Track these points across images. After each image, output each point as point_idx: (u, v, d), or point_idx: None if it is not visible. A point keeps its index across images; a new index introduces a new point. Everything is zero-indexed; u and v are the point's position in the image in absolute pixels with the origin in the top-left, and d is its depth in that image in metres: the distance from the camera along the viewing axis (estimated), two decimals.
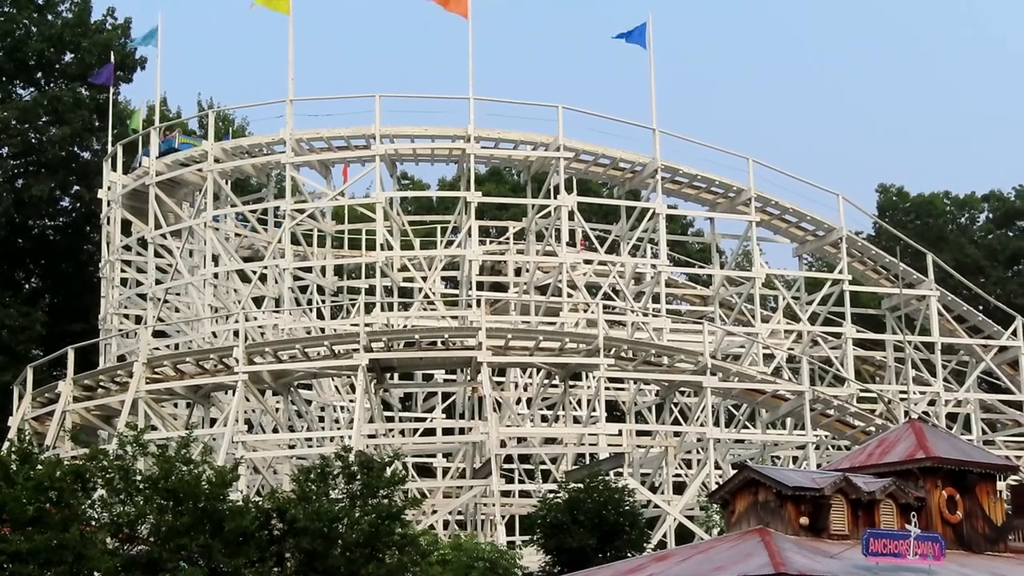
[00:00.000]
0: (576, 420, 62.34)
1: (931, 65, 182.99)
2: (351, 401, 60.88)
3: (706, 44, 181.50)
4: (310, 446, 56.60)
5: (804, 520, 33.69)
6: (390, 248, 61.76)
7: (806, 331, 65.60)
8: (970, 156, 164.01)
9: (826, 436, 61.45)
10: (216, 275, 62.27)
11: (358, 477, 36.16)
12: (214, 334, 60.86)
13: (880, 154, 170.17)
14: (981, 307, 71.63)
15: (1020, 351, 66.36)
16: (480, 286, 64.09)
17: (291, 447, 57.40)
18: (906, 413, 56.77)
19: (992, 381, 68.73)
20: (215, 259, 62.07)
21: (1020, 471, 55.73)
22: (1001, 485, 43.53)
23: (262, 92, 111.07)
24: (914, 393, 63.51)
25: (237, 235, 67.30)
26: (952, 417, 66.71)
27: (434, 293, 63.53)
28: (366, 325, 55.94)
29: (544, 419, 64.70)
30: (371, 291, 64.04)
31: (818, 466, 53.52)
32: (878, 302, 71.68)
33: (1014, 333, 66.82)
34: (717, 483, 46.62)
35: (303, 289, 67.35)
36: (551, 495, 44.93)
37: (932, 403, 64.96)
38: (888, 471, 36.21)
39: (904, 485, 35.40)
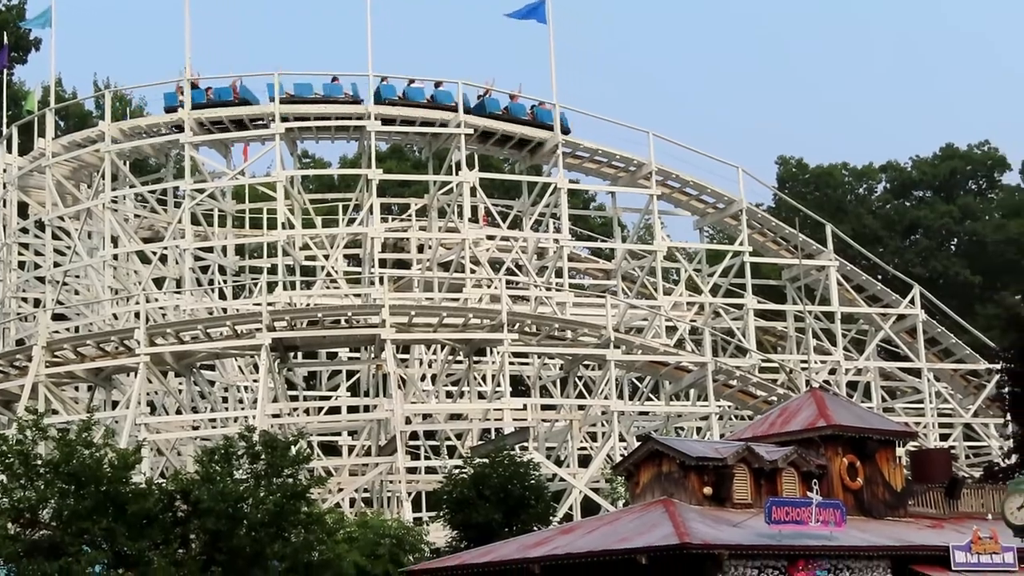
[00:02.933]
0: (481, 396, 62.36)
1: (831, 37, 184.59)
2: (255, 381, 60.54)
3: (608, 18, 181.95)
4: (214, 427, 56.24)
5: (708, 490, 33.99)
6: (291, 227, 61.35)
7: (708, 303, 66.06)
8: (868, 127, 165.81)
9: (729, 406, 61.93)
10: (116, 256, 61.47)
11: (262, 457, 36.02)
12: (115, 316, 60.15)
13: (780, 126, 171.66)
14: (879, 276, 72.41)
15: (918, 319, 67.21)
16: (383, 263, 63.90)
17: (194, 428, 56.96)
18: (807, 382, 57.33)
19: (891, 349, 69.54)
20: (114, 240, 61.31)
21: (919, 437, 56.59)
22: (901, 451, 44.24)
23: (160, 72, 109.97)
24: (815, 362, 64.11)
25: (136, 216, 66.58)
26: (852, 385, 67.45)
27: (336, 271, 63.21)
28: (268, 304, 55.58)
29: (449, 395, 64.69)
30: (273, 270, 63.59)
31: (721, 436, 53.92)
32: (778, 273, 72.28)
33: (912, 302, 67.63)
34: (622, 455, 46.84)
35: (204, 269, 66.75)
36: (457, 471, 44.96)
37: (833, 372, 65.63)
38: (790, 440, 36.62)
39: (806, 453, 35.81)
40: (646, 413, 64.70)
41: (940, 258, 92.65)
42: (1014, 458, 48.05)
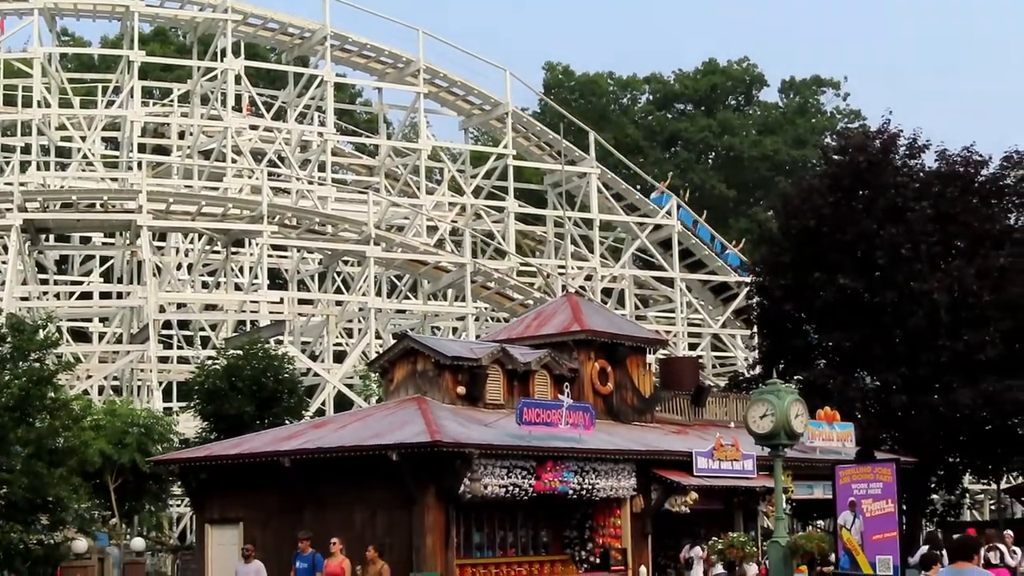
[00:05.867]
0: (237, 287, 61.73)
1: None
2: (3, 262, 58.84)
3: None
4: None
5: (461, 389, 34.26)
6: (47, 106, 59.61)
7: (470, 204, 66.35)
8: (633, 38, 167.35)
9: (486, 308, 62.47)
10: None
11: (8, 340, 35.08)
12: None
13: (547, 32, 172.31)
14: (639, 186, 73.57)
15: (674, 230, 68.54)
16: (142, 148, 62.50)
17: None
18: (563, 287, 58.14)
19: (646, 258, 70.85)
20: None
21: (669, 345, 57.87)
22: (651, 359, 45.21)
23: None
24: (572, 268, 65.02)
25: None
26: (607, 292, 68.63)
27: (93, 154, 61.72)
28: (20, 185, 53.96)
29: (205, 285, 63.89)
30: (27, 150, 61.71)
31: (477, 337, 54.39)
32: (541, 178, 72.91)
33: (668, 212, 68.93)
34: (377, 352, 46.90)
35: None
36: (210, 362, 44.51)
37: (589, 278, 66.64)
38: (544, 343, 37.07)
39: (559, 357, 36.32)
40: (403, 311, 64.86)
41: (698, 170, 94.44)
42: (759, 369, 49.42)
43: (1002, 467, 49.76)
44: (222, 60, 60.83)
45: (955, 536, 16.19)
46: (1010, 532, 34.94)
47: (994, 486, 54.38)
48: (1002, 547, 31.67)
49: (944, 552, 26.11)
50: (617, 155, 72.42)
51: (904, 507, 37.06)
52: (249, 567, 28.72)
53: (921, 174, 48.75)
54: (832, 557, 27.16)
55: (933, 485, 50.50)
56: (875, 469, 24.21)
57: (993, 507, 65.83)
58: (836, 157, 49.88)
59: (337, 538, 28.55)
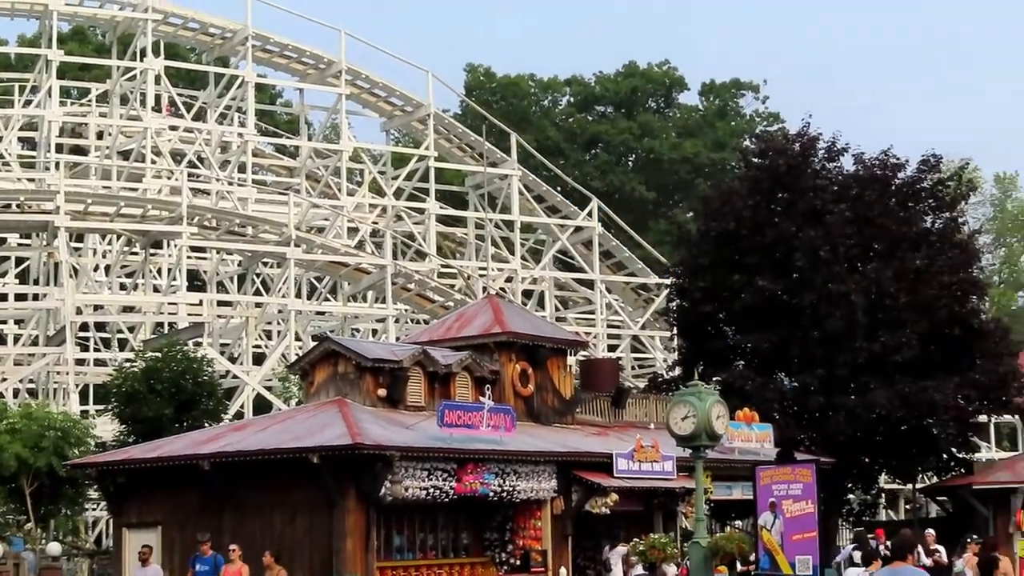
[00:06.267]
0: (156, 289, 61.23)
1: None
2: None
3: None
4: None
5: (382, 391, 34.20)
6: None
7: (391, 206, 66.23)
8: (554, 40, 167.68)
9: (406, 310, 62.37)
10: None
11: None
12: None
13: (469, 33, 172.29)
14: (559, 188, 73.71)
15: (594, 232, 68.69)
16: (60, 149, 61.86)
17: None
18: (484, 289, 58.15)
19: (567, 260, 71.01)
20: None
21: (589, 347, 58.03)
22: (572, 360, 45.30)
23: None
24: (492, 270, 65.05)
25: None
26: (528, 294, 68.69)
27: (10, 154, 61.01)
28: None
29: (123, 287, 63.30)
30: None
31: (397, 339, 54.28)
32: (462, 179, 72.88)
33: (590, 214, 69.07)
34: (297, 354, 46.72)
35: None
36: (128, 364, 44.15)
37: (510, 280, 66.66)
38: (466, 345, 37.08)
39: (480, 359, 36.34)
40: (323, 313, 64.62)
41: (618, 173, 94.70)
42: (678, 370, 49.67)
43: (917, 467, 50.27)
44: (142, 60, 60.36)
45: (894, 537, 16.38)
46: (931, 531, 35.39)
47: (909, 486, 54.96)
48: (919, 547, 32.03)
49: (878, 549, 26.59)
50: (539, 157, 72.52)
51: (822, 507, 37.41)
52: (147, 570, 28.58)
53: (840, 177, 49.17)
54: (752, 557, 27.37)
55: (850, 485, 50.98)
56: (795, 470, 24.42)
57: (908, 507, 66.57)
58: (755, 160, 50.23)
59: (236, 545, 28.59)
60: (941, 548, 35.53)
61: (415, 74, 66.45)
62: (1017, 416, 59.48)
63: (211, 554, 28.25)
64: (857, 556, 33.78)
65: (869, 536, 36.71)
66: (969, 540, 31.62)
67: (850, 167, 49.49)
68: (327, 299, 65.83)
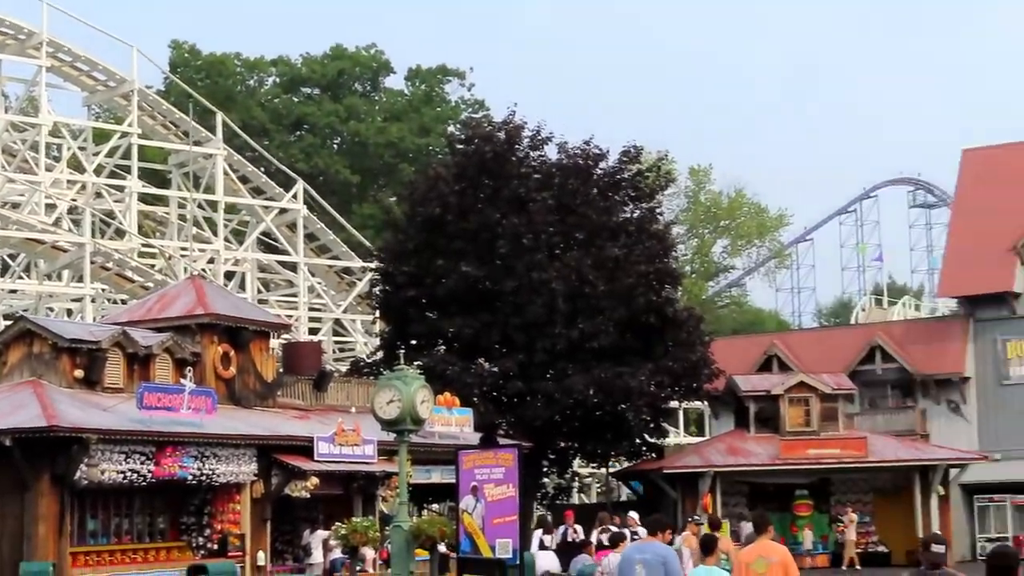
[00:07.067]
0: None
1: None
2: None
3: None
4: None
5: (80, 373, 33.53)
6: None
7: (91, 182, 64.66)
8: (261, 19, 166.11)
9: (105, 289, 61.05)
10: None
11: None
12: None
13: (175, 9, 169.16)
14: (264, 169, 73.07)
15: (299, 214, 68.35)
16: None
17: None
18: (186, 270, 57.34)
19: (270, 242, 70.50)
20: None
21: (292, 330, 57.79)
22: (274, 343, 45.10)
23: None
24: (195, 250, 64.15)
25: None
26: (230, 275, 67.97)
27: None
28: None
29: None
30: None
31: (95, 320, 53.11)
32: (165, 158, 71.66)
33: (295, 196, 68.70)
34: None
35: None
36: None
37: (212, 261, 65.86)
38: (167, 326, 36.64)
39: (181, 340, 35.94)
40: (16, 291, 62.79)
41: (323, 155, 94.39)
42: (380, 354, 49.85)
43: (610, 452, 51.53)
44: None
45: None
46: (634, 514, 36.25)
47: (602, 470, 56.37)
48: (612, 528, 32.87)
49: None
50: (244, 137, 71.77)
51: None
52: None
53: (544, 165, 50.01)
54: (452, 542, 27.66)
55: (546, 469, 52.03)
56: (497, 454, 24.78)
57: (600, 490, 68.29)
58: (461, 147, 50.69)
59: None
60: (641, 530, 36.42)
61: (120, 48, 64.99)
62: (705, 402, 61.58)
63: None
64: (548, 540, 34.49)
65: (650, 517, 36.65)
66: (689, 520, 32.57)
67: (554, 156, 50.42)
68: (21, 277, 63.96)
